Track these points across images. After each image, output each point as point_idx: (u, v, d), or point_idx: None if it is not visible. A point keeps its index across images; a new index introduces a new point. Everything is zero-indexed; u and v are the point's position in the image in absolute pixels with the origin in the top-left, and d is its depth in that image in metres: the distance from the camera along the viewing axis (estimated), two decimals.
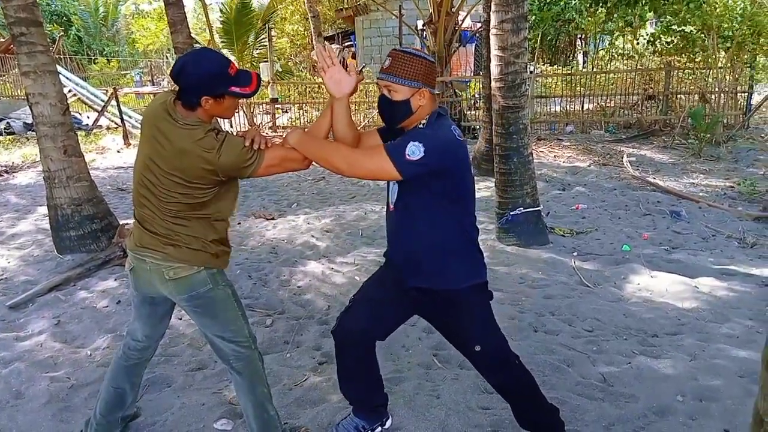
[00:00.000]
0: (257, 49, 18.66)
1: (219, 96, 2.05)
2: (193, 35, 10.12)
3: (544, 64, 15.85)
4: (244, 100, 6.36)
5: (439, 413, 2.67)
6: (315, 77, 15.38)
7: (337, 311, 3.83)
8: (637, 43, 15.16)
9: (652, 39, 13.79)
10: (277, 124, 13.32)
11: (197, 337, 3.49)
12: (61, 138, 4.99)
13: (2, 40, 16.61)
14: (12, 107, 14.30)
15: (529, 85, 5.18)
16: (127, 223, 5.44)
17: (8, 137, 13.14)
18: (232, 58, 18.65)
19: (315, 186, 8.05)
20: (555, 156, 9.49)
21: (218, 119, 2.13)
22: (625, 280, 4.24)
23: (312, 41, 17.51)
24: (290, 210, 6.59)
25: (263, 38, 17.87)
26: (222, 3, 16.98)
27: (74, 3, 28.76)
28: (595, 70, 13.77)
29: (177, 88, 2.07)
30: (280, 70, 18.05)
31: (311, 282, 4.35)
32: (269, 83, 13.27)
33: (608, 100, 12.50)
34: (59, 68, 16.40)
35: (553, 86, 12.97)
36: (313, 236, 5.53)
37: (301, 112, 13.42)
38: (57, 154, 4.98)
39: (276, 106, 13.56)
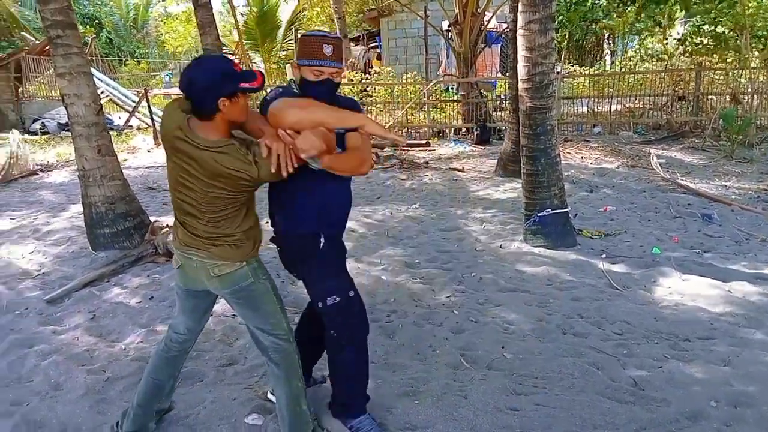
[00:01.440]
0: (283, 50, 18.83)
1: (233, 95, 2.06)
2: (220, 37, 10.29)
3: (571, 65, 15.68)
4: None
5: (468, 413, 2.68)
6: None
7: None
8: (667, 44, 14.92)
9: (682, 39, 13.57)
10: None
11: (228, 334, 3.56)
12: (95, 138, 5.11)
13: (37, 42, 17.03)
14: (47, 108, 14.68)
15: (556, 85, 5.13)
16: (158, 221, 5.55)
17: (43, 137, 13.51)
18: (258, 59, 18.89)
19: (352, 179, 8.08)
20: (582, 157, 9.39)
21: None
22: (656, 284, 4.18)
23: None
24: None
25: (289, 39, 18.03)
26: (247, 5, 17.17)
27: (105, 6, 29.38)
28: (623, 70, 13.59)
29: (187, 103, 2.08)
30: None
31: None
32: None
33: (637, 101, 12.33)
34: (92, 70, 16.83)
35: (580, 87, 12.84)
36: None
37: None
38: (91, 154, 5.10)
39: None
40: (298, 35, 21.44)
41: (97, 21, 28.68)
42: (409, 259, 4.87)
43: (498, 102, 12.92)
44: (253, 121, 2.21)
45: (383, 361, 3.20)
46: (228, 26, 20.50)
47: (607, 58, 20.51)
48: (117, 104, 15.99)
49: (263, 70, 18.38)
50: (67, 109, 5.13)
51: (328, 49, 2.21)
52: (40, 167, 10.05)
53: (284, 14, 19.20)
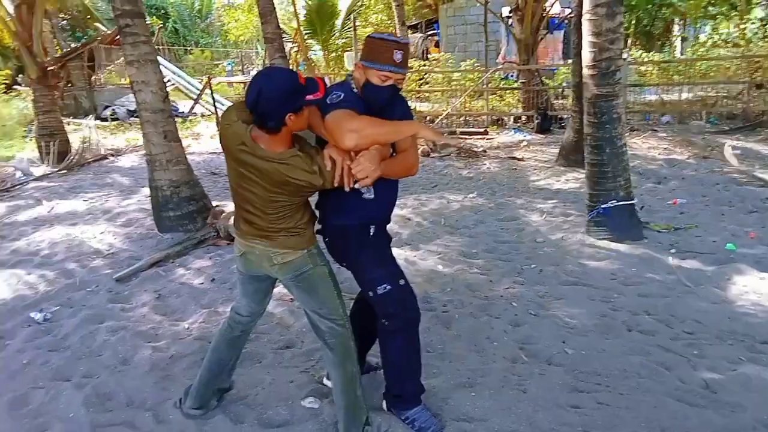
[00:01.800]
0: (341, 39, 18.90)
1: (299, 109, 2.08)
2: (281, 25, 10.38)
3: (638, 51, 15.02)
4: None
5: (527, 408, 2.61)
6: None
7: (420, 299, 3.81)
8: (744, 29, 14.04)
9: (761, 24, 12.74)
10: None
11: (286, 317, 3.61)
12: (162, 123, 5.28)
13: (108, 32, 17.77)
14: (117, 95, 15.32)
15: (621, 72, 4.90)
16: (219, 206, 5.69)
17: (113, 123, 14.11)
18: (317, 47, 19.05)
19: None
20: (649, 148, 8.99)
21: None
22: (730, 281, 3.95)
23: (396, 30, 17.51)
24: None
25: (348, 27, 18.07)
26: None
27: None
28: (694, 57, 12.91)
29: (247, 112, 2.09)
30: None
31: None
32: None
33: (710, 90, 11.68)
34: (159, 58, 17.42)
35: (648, 74, 12.28)
36: (395, 224, 5.55)
37: None
38: (158, 139, 5.27)
39: None
40: (366, 33, 21.33)
41: (163, 11, 29.61)
42: (466, 249, 4.80)
43: (560, 90, 12.54)
44: (313, 117, 2.21)
45: (439, 351, 3.17)
46: (288, 14, 20.72)
47: (678, 44, 19.52)
48: (182, 92, 16.50)
49: (322, 58, 18.53)
50: (135, 96, 5.31)
51: (398, 56, 2.18)
52: (110, 152, 10.50)
53: (343, 2, 19.24)
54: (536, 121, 11.08)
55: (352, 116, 2.17)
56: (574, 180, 7.09)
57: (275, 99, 2.01)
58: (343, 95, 2.23)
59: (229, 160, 2.21)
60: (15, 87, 16.17)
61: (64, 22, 22.57)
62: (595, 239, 4.90)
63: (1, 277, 4.37)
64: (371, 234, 2.39)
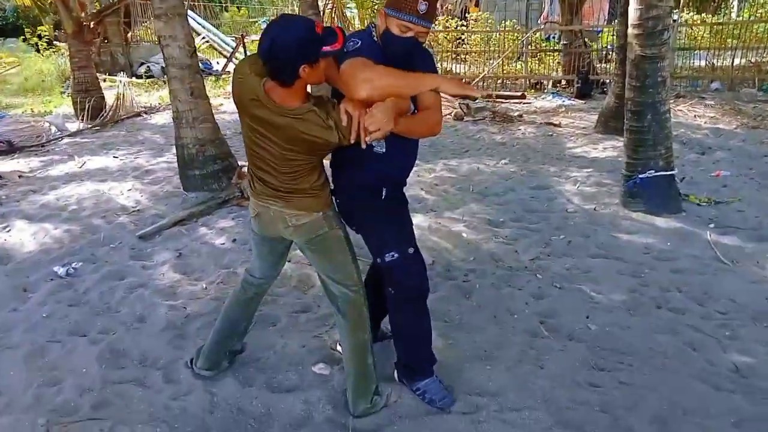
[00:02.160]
0: None
1: (315, 61, 1.95)
2: None
3: (689, 13, 14.20)
4: None
5: (543, 384, 2.52)
6: (434, 25, 14.90)
7: (441, 267, 3.75)
8: None
9: None
10: None
11: (303, 280, 3.57)
12: (188, 80, 5.21)
13: None
14: (152, 52, 15.33)
15: (670, 32, 4.58)
16: (245, 166, 5.65)
17: (148, 80, 14.18)
18: (352, 4, 18.62)
19: (428, 137, 7.87)
20: (695, 116, 8.55)
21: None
22: None
23: None
24: None
25: None
26: None
27: None
28: (751, 18, 12.13)
29: (260, 65, 1.97)
30: None
31: (417, 235, 4.24)
32: None
33: (765, 54, 10.99)
34: (194, 15, 17.32)
35: (699, 37, 11.61)
36: (421, 189, 5.43)
37: None
38: (184, 96, 5.22)
39: None
40: None
41: None
42: (493, 217, 4.65)
43: (604, 53, 12.00)
44: (330, 70, 2.08)
45: (457, 321, 3.08)
46: None
47: (735, 5, 18.39)
48: (216, 49, 16.44)
49: (355, 15, 18.10)
50: (162, 51, 5.24)
51: (422, 6, 2.04)
52: (144, 109, 10.56)
53: None
54: (576, 86, 10.66)
55: (367, 65, 2.04)
56: (612, 148, 6.80)
57: (289, 49, 1.88)
58: (360, 43, 2.10)
59: (242, 115, 2.11)
60: (55, 43, 16.35)
61: None
62: (630, 211, 4.69)
63: (30, 231, 4.44)
64: (383, 196, 2.28)
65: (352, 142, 2.01)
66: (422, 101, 2.21)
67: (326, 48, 1.94)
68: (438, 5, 16.61)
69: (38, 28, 15.68)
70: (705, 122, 8.14)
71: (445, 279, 3.59)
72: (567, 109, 9.69)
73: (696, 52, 11.22)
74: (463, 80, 11.84)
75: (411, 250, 2.25)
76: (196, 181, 5.38)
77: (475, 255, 3.94)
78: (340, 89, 2.09)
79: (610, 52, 11.27)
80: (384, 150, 2.20)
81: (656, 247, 4.01)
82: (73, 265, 3.75)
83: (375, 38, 2.17)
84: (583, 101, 10.29)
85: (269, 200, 2.20)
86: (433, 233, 4.33)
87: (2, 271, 3.69)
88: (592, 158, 6.51)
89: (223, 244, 4.19)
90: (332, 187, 2.36)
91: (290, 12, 26.26)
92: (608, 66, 11.26)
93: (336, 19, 14.71)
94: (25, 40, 16.87)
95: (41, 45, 15.56)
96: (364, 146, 2.03)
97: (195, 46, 5.44)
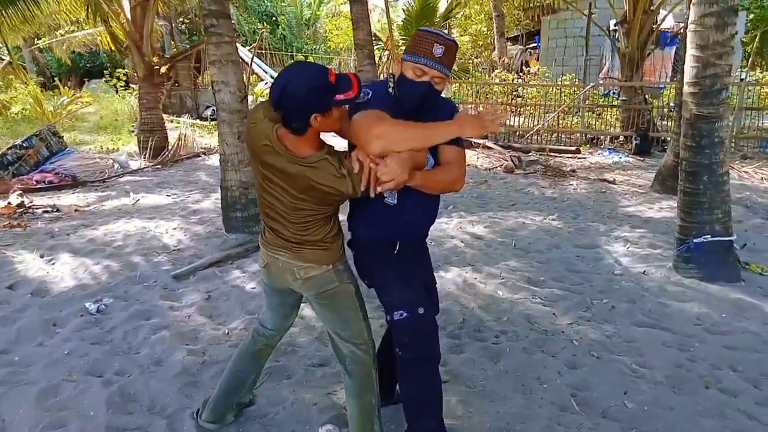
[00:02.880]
0: None
1: (327, 109, 1.91)
2: (374, 31, 10.40)
3: (762, 72, 13.65)
4: None
5: None
6: (491, 77, 14.96)
7: (471, 327, 3.57)
8: None
9: None
10: None
11: (325, 332, 3.45)
12: (237, 124, 5.34)
13: None
14: None
15: (728, 91, 4.35)
16: None
17: (212, 122, 14.78)
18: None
19: (476, 189, 7.76)
20: (762, 178, 8.07)
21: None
22: None
23: (494, 41, 17.14)
24: (445, 212, 6.39)
25: None
26: (405, 2, 17.30)
27: (283, 4, 31.58)
28: None
29: (273, 111, 1.94)
30: (456, 68, 17.90)
31: (450, 290, 4.11)
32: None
33: None
34: (259, 62, 18.08)
35: None
36: (462, 242, 5.28)
37: (473, 113, 13.10)
38: (232, 139, 5.34)
39: None
40: (463, 43, 21.21)
41: (273, 18, 30.89)
42: (534, 275, 4.44)
43: (666, 110, 11.63)
44: (343, 120, 2.04)
45: (481, 387, 2.89)
46: (383, 22, 20.87)
47: None
48: None
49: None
50: (214, 96, 5.42)
51: (438, 50, 1.98)
52: (203, 150, 10.97)
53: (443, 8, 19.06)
54: (635, 142, 10.32)
55: (379, 118, 1.98)
56: (668, 208, 6.46)
57: (300, 97, 1.85)
58: (371, 93, 2.05)
59: (254, 161, 2.08)
60: (131, 84, 17.41)
61: (183, 25, 24.20)
62: (682, 276, 4.38)
63: (72, 265, 4.57)
64: (396, 251, 2.18)
65: (363, 190, 1.95)
66: (443, 155, 2.13)
67: (339, 96, 1.90)
68: (497, 59, 16.61)
69: (118, 70, 16.78)
70: None
71: (473, 339, 3.41)
72: (623, 166, 9.37)
73: (766, 112, 10.70)
74: (517, 132, 11.72)
75: (421, 310, 2.12)
76: (238, 223, 5.44)
77: (509, 315, 3.74)
78: (352, 141, 2.04)
79: (672, 110, 10.92)
80: (395, 201, 2.13)
81: (709, 318, 3.69)
82: (105, 302, 3.80)
83: (390, 88, 2.12)
84: (642, 159, 9.94)
85: (278, 251, 2.15)
86: (467, 289, 4.16)
87: (37, 304, 3.78)
88: (646, 218, 6.19)
89: (254, 288, 4.17)
90: (349, 238, 2.30)
91: (352, 60, 27.08)
92: (669, 123, 10.89)
93: (392, 68, 15.01)
94: (106, 81, 18.07)
95: (119, 86, 16.61)
96: (373, 195, 1.96)
97: (246, 92, 5.60)
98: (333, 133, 2.10)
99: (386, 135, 1.92)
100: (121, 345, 3.26)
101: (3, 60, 19.02)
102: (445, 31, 2.13)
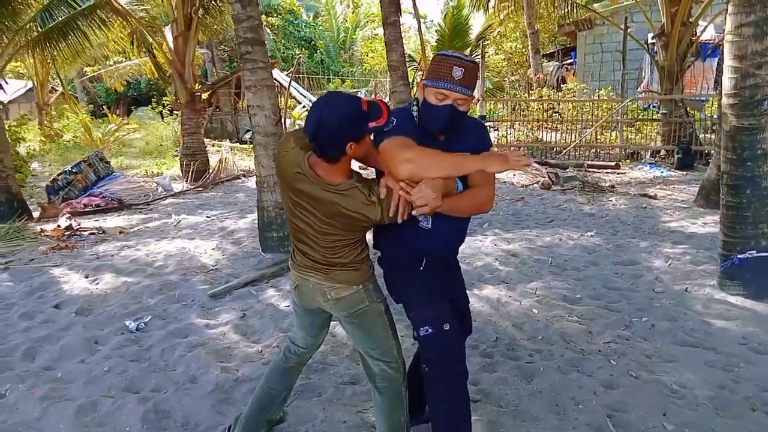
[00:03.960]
0: None
1: (362, 137, 1.97)
2: (408, 52, 10.50)
3: None
4: None
5: None
6: (527, 94, 14.87)
7: (504, 345, 3.51)
8: None
9: None
10: None
11: (356, 350, 3.46)
12: (272, 146, 5.46)
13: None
14: None
15: None
16: None
17: (251, 146, 15.12)
18: None
19: (512, 206, 7.69)
20: None
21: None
22: None
23: (529, 59, 17.07)
24: (479, 229, 6.35)
25: (476, 54, 17.94)
26: (439, 23, 17.47)
27: (320, 28, 32.29)
28: None
29: (304, 139, 2.00)
30: (491, 86, 17.89)
31: (483, 308, 4.07)
32: (479, 101, 13.19)
33: None
34: (297, 86, 18.48)
35: None
36: (496, 259, 5.23)
37: (511, 130, 13.03)
38: (267, 161, 5.46)
39: (484, 123, 13.41)
40: (497, 61, 21.28)
41: (312, 43, 31.58)
42: (570, 293, 4.36)
43: (709, 122, 11.31)
44: (370, 149, 2.10)
45: (513, 407, 2.83)
46: (416, 43, 21.07)
47: None
48: None
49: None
50: (250, 120, 5.57)
51: (457, 72, 2.00)
52: (242, 172, 11.23)
53: (477, 28, 19.15)
54: (677, 156, 10.06)
55: (406, 145, 2.01)
56: (713, 223, 6.25)
57: (336, 127, 1.91)
58: (395, 121, 2.08)
59: (284, 189, 2.14)
60: (175, 111, 18.04)
61: (225, 53, 25.02)
62: (727, 294, 4.22)
63: (114, 284, 4.73)
64: (423, 267, 2.19)
65: (391, 215, 1.98)
66: (473, 178, 2.15)
67: (372, 124, 1.95)
68: (532, 75, 16.49)
69: (163, 98, 17.43)
70: None
71: (507, 359, 3.35)
72: (665, 181, 9.13)
73: None
74: (554, 149, 11.58)
75: (447, 326, 2.11)
76: (274, 243, 5.53)
77: (543, 334, 3.67)
78: (379, 168, 2.08)
79: (715, 122, 10.61)
80: (430, 226, 2.15)
81: (756, 337, 3.54)
82: (144, 320, 3.91)
83: (414, 115, 2.15)
84: (684, 173, 9.67)
85: (309, 272, 2.19)
86: (502, 307, 4.11)
87: (81, 323, 3.91)
88: (689, 234, 6.01)
89: (287, 306, 4.21)
90: (378, 255, 2.32)
91: (388, 81, 27.37)
92: (712, 136, 10.58)
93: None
94: (152, 108, 18.78)
95: (164, 112, 17.24)
96: (400, 220, 1.99)
97: (281, 115, 5.73)
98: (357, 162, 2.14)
99: (414, 161, 1.96)
100: (158, 362, 3.34)
101: (57, 91, 20.04)
102: (464, 53, 2.14)
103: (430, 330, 2.09)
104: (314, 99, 17.92)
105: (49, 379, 3.16)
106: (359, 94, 24.58)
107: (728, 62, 4.23)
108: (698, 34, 10.89)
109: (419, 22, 13.36)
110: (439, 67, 2.04)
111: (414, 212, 1.98)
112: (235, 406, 2.84)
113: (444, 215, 2.11)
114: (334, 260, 2.13)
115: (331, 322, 2.49)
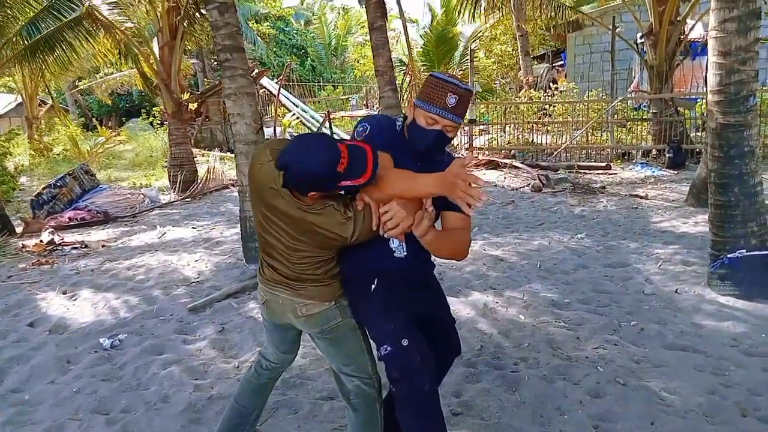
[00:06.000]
0: (460, 70, 18.74)
1: (328, 191, 1.92)
2: (396, 56, 10.43)
3: None
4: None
5: None
6: (517, 98, 14.83)
7: (489, 354, 3.41)
8: None
9: None
10: (473, 146, 13.07)
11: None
12: None
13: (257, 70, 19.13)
14: None
15: (756, 98, 4.14)
16: None
17: None
18: None
19: (502, 210, 7.60)
20: None
21: None
22: None
23: (519, 61, 17.03)
24: None
25: (465, 59, 17.90)
26: (425, 27, 17.42)
27: (312, 35, 32.26)
28: None
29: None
30: (480, 90, 17.84)
31: (469, 315, 3.97)
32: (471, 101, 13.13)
33: None
34: (287, 94, 18.40)
35: None
36: (484, 264, 5.13)
37: (502, 133, 12.95)
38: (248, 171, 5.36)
39: (474, 127, 13.31)
40: (488, 65, 21.24)
41: (303, 50, 31.55)
42: (558, 298, 4.26)
43: (700, 121, 11.26)
44: None
45: (495, 420, 2.73)
46: (404, 46, 21.04)
47: None
48: (306, 126, 17.25)
49: None
50: (230, 128, 5.48)
51: (451, 100, 1.92)
52: (232, 182, 11.11)
53: (467, 31, 19.12)
54: (668, 155, 10.00)
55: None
56: (704, 223, 6.12)
57: (301, 178, 1.86)
58: (369, 128, 2.02)
59: (256, 202, 2.06)
60: (165, 122, 17.95)
61: (215, 62, 24.95)
62: (717, 294, 4.14)
63: (92, 300, 4.61)
64: (375, 285, 2.09)
65: (374, 228, 1.92)
66: (447, 221, 2.08)
67: (345, 183, 1.86)
68: (522, 78, 16.43)
69: (155, 108, 17.33)
70: None
71: (491, 368, 3.25)
72: (656, 181, 9.07)
73: None
74: (545, 151, 11.51)
75: (405, 342, 1.99)
76: (256, 254, 5.37)
77: (530, 341, 3.57)
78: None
79: (706, 120, 10.56)
80: (404, 254, 2.09)
81: (748, 338, 3.45)
82: (119, 337, 3.80)
83: (398, 126, 2.10)
84: (675, 172, 9.61)
85: (277, 287, 2.11)
86: (488, 314, 4.01)
87: (54, 341, 3.79)
88: (680, 233, 5.93)
89: None
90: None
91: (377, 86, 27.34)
92: (703, 134, 10.52)
93: (413, 94, 15.04)
94: (143, 119, 18.68)
95: (155, 123, 17.14)
96: (382, 233, 1.93)
97: (261, 123, 5.64)
98: None
99: (379, 177, 1.89)
100: (130, 381, 3.22)
101: (46, 104, 19.93)
102: (458, 78, 2.03)
103: (389, 348, 1.99)
104: (305, 107, 17.92)
105: (16, 401, 3.04)
106: (351, 102, 24.56)
107: (712, 59, 4.16)
108: (687, 32, 10.84)
109: (405, 26, 13.31)
110: (433, 91, 1.95)
111: (385, 235, 1.92)
112: (206, 426, 2.73)
113: (417, 242, 2.01)
114: (305, 276, 2.06)
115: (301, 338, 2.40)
